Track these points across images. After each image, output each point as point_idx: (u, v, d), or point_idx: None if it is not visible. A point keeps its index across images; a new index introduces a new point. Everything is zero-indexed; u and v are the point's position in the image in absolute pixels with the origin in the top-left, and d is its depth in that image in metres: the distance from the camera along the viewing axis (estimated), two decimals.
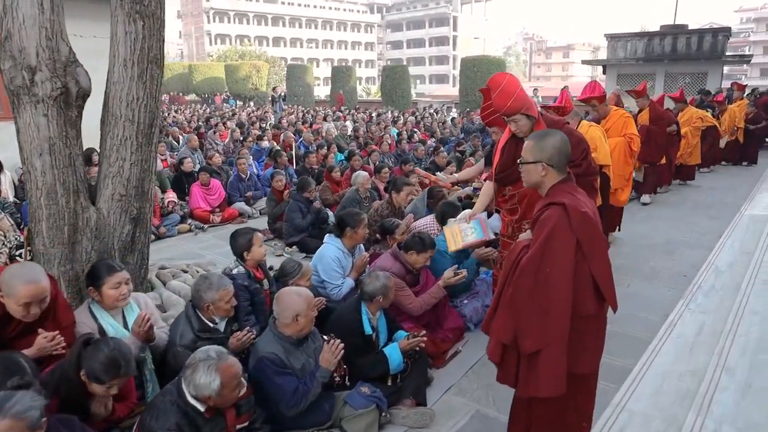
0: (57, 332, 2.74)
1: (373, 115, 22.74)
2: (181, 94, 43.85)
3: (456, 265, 4.25)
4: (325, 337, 3.22)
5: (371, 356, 3.47)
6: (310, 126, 16.87)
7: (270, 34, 74.93)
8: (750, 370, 3.78)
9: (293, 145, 11.51)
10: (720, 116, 12.33)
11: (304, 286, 3.68)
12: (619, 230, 7.05)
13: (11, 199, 7.57)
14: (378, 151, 10.84)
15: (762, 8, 71.83)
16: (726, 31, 18.47)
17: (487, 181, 4.13)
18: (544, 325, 2.45)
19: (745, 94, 13.54)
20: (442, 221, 5.04)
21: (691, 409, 3.36)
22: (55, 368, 2.55)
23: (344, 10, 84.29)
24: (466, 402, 3.60)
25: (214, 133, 13.72)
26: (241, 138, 12.44)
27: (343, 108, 27.70)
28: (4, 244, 5.58)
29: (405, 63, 59.75)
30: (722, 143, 12.17)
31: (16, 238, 5.89)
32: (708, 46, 17.77)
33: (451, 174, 6.36)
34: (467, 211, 4.74)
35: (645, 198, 8.94)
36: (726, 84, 17.07)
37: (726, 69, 20.40)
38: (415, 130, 16.29)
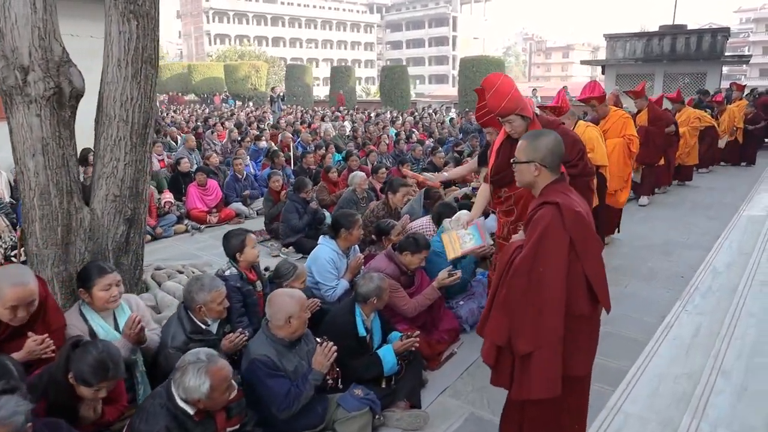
0: (46, 335, 2.71)
1: (372, 115, 22.72)
2: (180, 94, 43.78)
3: (451, 266, 4.22)
4: (318, 339, 3.20)
5: (365, 358, 3.45)
6: (309, 126, 16.85)
7: (269, 34, 74.89)
8: (746, 372, 3.76)
9: (291, 145, 11.49)
10: (719, 116, 12.31)
11: (298, 288, 3.66)
12: (618, 232, 7.03)
13: (7, 199, 7.54)
14: (376, 151, 10.82)
15: (761, 9, 71.83)
16: (725, 32, 18.46)
17: (483, 184, 4.11)
18: (537, 325, 2.44)
19: (744, 95, 13.52)
20: (439, 222, 5.04)
21: (687, 411, 3.34)
22: (44, 371, 2.53)
23: (344, 10, 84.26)
24: (460, 404, 3.58)
25: (212, 133, 13.69)
26: (239, 138, 12.42)
27: (342, 108, 27.69)
28: None
29: (404, 63, 59.70)
30: (722, 143, 12.15)
31: (11, 239, 5.87)
32: (707, 47, 17.76)
33: None
34: (463, 212, 4.73)
35: (643, 200, 8.92)
36: (725, 84, 17.06)
37: (725, 69, 20.41)
38: (414, 130, 16.27)
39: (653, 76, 18.63)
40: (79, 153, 6.62)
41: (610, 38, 19.57)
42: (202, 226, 7.87)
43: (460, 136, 15.08)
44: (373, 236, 5.34)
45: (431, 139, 14.58)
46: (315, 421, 3.07)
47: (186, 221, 7.93)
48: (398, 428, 3.28)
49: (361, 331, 3.50)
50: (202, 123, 17.68)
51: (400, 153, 11.56)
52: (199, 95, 44.21)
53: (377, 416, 3.21)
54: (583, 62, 25.84)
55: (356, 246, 4.77)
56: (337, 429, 3.10)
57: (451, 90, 46.71)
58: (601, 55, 22.74)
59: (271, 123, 17.54)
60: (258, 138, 11.89)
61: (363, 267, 4.54)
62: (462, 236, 3.99)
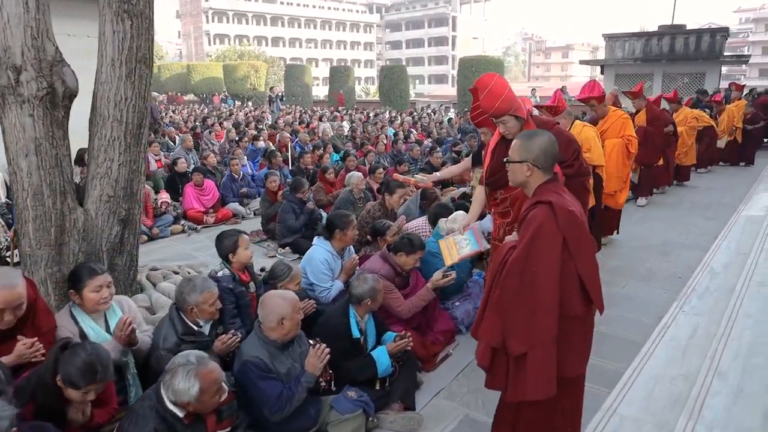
0: (36, 339, 2.68)
1: (371, 115, 22.70)
2: (179, 94, 43.78)
3: (445, 267, 4.20)
4: (311, 341, 3.18)
5: (359, 360, 3.43)
6: (307, 126, 16.83)
7: (269, 34, 74.88)
8: (742, 374, 3.74)
9: (289, 145, 11.46)
10: (718, 116, 12.30)
11: (293, 290, 3.64)
12: (617, 233, 7.00)
13: (3, 199, 7.51)
14: (374, 151, 10.80)
15: (761, 9, 71.86)
16: (724, 32, 18.46)
17: (479, 186, 4.09)
18: (530, 325, 2.42)
19: (743, 94, 13.51)
20: (435, 223, 5.02)
21: (682, 413, 3.32)
22: (32, 373, 2.50)
23: (343, 10, 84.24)
24: (455, 406, 3.56)
25: (210, 133, 13.68)
26: (237, 138, 12.39)
27: (340, 108, 27.67)
28: None
29: (404, 63, 59.77)
30: (722, 143, 12.13)
31: (5, 239, 5.85)
32: (706, 47, 17.76)
33: None
34: (460, 213, 4.71)
35: (641, 200, 8.90)
36: (724, 84, 17.05)
37: (725, 69, 20.40)
38: (412, 130, 16.24)
39: (652, 76, 18.64)
40: (75, 153, 6.72)
41: (609, 38, 19.57)
42: (199, 227, 7.84)
43: (459, 136, 15.05)
44: (368, 237, 5.32)
45: (429, 139, 14.57)
46: (308, 424, 3.05)
47: (183, 221, 7.90)
48: (392, 430, 3.25)
49: (355, 333, 3.47)
50: (200, 123, 17.66)
51: (398, 153, 11.54)
52: (198, 95, 44.23)
53: (371, 418, 3.19)
54: (582, 62, 25.82)
55: (351, 247, 4.75)
56: (330, 431, 3.08)
57: (450, 90, 46.70)
58: (601, 55, 22.71)
59: (270, 123, 17.52)
60: (256, 138, 11.87)
61: (358, 268, 4.52)
62: (459, 242, 3.96)
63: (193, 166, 9.37)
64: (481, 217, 4.44)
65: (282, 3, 77.39)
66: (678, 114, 10.24)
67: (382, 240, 4.83)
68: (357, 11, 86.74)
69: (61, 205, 3.71)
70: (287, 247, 6.74)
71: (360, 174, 7.49)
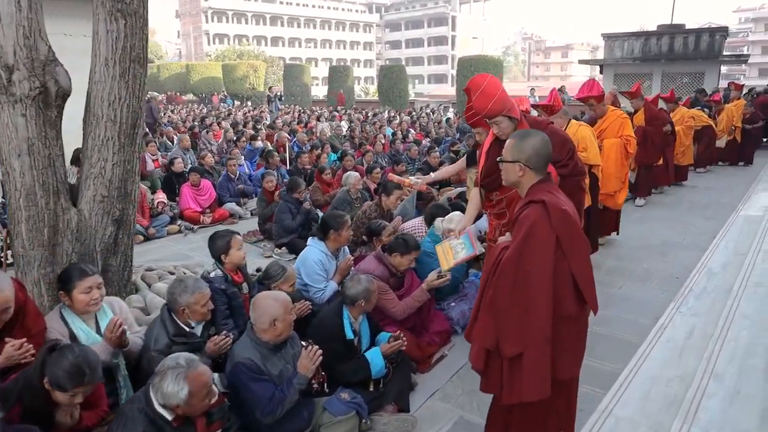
0: (24, 340, 2.65)
1: (369, 114, 22.68)
2: (178, 93, 43.76)
3: (440, 268, 4.17)
4: (303, 342, 3.15)
5: (353, 361, 3.40)
6: (305, 126, 16.80)
7: (268, 33, 74.86)
8: (739, 375, 3.71)
9: (286, 145, 11.44)
10: (716, 116, 12.28)
11: (287, 291, 3.62)
12: (617, 233, 6.97)
13: None
14: (372, 151, 10.79)
15: (760, 8, 71.86)
16: (723, 31, 18.44)
17: (474, 188, 4.06)
18: (524, 325, 2.40)
19: (742, 94, 13.48)
20: (431, 223, 5.00)
21: (678, 416, 3.30)
22: (19, 375, 2.47)
23: (343, 9, 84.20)
24: (450, 408, 3.54)
25: (207, 132, 13.66)
26: (235, 138, 12.37)
27: (339, 108, 27.65)
28: None
29: (404, 63, 59.74)
30: (722, 143, 12.10)
31: (0, 239, 5.83)
32: (705, 46, 17.73)
33: None
34: (456, 213, 4.69)
35: (639, 201, 8.88)
36: (723, 84, 17.03)
37: (725, 69, 20.40)
38: (411, 129, 16.22)
39: (651, 75, 18.62)
40: (72, 153, 6.70)
41: (608, 38, 19.55)
42: (196, 227, 7.82)
43: (457, 135, 15.03)
44: (364, 237, 5.30)
45: (428, 139, 14.55)
46: (301, 426, 3.02)
47: (179, 222, 7.88)
48: None
49: (349, 334, 3.45)
50: (198, 123, 17.63)
51: (396, 153, 11.52)
52: (198, 95, 44.19)
53: (364, 420, 3.16)
54: (581, 62, 25.80)
55: (346, 247, 4.73)
56: None
57: (449, 90, 46.72)
58: (600, 55, 22.70)
59: (268, 123, 17.50)
60: (253, 138, 11.84)
61: (353, 268, 4.50)
62: (454, 246, 3.94)
63: (190, 166, 9.34)
64: (478, 217, 4.42)
65: (281, 3, 77.36)
66: (675, 113, 10.21)
67: (377, 240, 4.81)
68: (356, 11, 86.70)
69: (54, 205, 3.69)
70: (284, 248, 6.71)
71: (357, 174, 7.47)
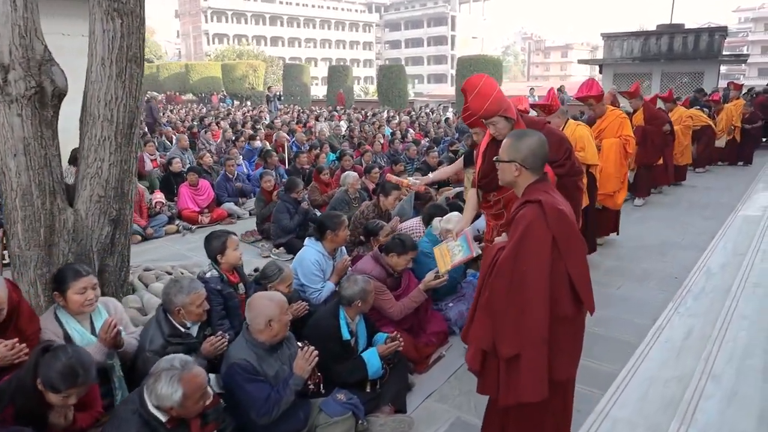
0: (16, 339, 2.63)
1: (369, 114, 22.66)
2: (177, 93, 43.76)
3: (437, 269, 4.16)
4: (299, 343, 3.14)
5: (349, 362, 3.39)
6: (304, 126, 16.79)
7: (268, 33, 74.85)
8: (737, 376, 3.70)
9: (285, 145, 11.42)
10: (715, 116, 12.27)
11: (284, 291, 3.60)
12: (617, 234, 6.96)
13: None
14: (371, 151, 10.77)
15: (760, 8, 71.85)
16: (722, 31, 18.42)
17: (471, 189, 4.05)
18: (520, 325, 2.39)
19: (741, 94, 13.47)
20: (429, 223, 4.98)
21: (675, 417, 3.28)
22: (12, 376, 2.45)
23: (342, 9, 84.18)
24: (447, 409, 3.53)
25: (206, 132, 13.64)
26: (233, 138, 12.36)
27: (338, 108, 27.63)
28: None
29: (403, 62, 59.73)
30: (721, 143, 12.09)
31: None
32: (704, 46, 17.72)
33: None
34: (454, 213, 4.68)
35: (638, 201, 8.87)
36: (723, 84, 17.01)
37: (724, 69, 20.40)
38: (410, 129, 16.20)
39: (651, 75, 18.61)
40: (70, 153, 6.68)
41: (608, 37, 19.53)
42: (194, 227, 7.81)
43: (456, 135, 15.02)
44: (361, 237, 5.28)
45: (427, 139, 14.53)
46: (297, 427, 3.00)
47: (177, 222, 7.87)
48: None
49: (345, 335, 3.43)
50: (197, 122, 17.62)
51: (394, 153, 11.50)
52: (197, 95, 44.18)
53: (360, 421, 3.15)
54: (580, 61, 25.77)
55: (343, 248, 4.71)
56: None
57: (449, 89, 46.68)
58: (600, 55, 22.69)
59: (267, 123, 17.49)
60: (252, 138, 11.83)
61: (350, 269, 4.48)
62: (452, 249, 3.92)
63: (188, 166, 9.33)
64: (476, 217, 4.41)
65: (281, 2, 77.34)
66: (673, 113, 10.20)
67: (375, 240, 4.80)
68: (356, 11, 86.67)
69: (50, 205, 3.68)
70: (282, 248, 6.70)
71: (355, 174, 7.45)
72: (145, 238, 7.26)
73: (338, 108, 27.66)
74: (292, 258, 6.16)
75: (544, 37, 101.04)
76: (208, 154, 9.94)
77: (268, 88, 24.82)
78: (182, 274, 5.23)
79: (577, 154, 4.91)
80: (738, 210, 8.24)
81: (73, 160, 7.17)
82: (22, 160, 3.54)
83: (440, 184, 7.94)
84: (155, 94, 31.74)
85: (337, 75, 36.68)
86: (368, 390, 3.41)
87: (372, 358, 3.39)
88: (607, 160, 6.41)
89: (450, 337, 4.39)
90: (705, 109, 12.28)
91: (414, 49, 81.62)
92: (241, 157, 10.40)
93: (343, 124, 17.76)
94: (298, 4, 79.02)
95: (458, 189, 7.44)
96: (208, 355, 3.12)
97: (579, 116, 10.79)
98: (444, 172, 5.07)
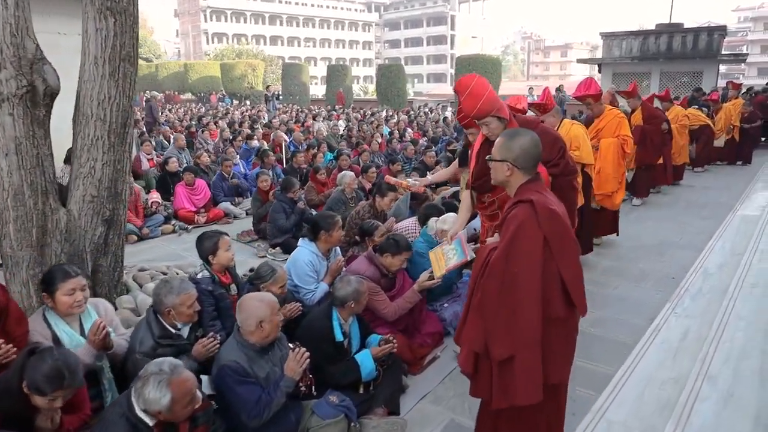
0: (2, 341, 2.61)
1: (367, 113, 22.63)
2: (176, 92, 43.73)
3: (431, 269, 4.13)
4: (290, 345, 3.11)
5: (342, 364, 3.36)
6: (302, 125, 16.76)
7: (267, 32, 74.77)
8: (733, 378, 3.67)
9: (283, 144, 11.39)
10: (714, 115, 12.24)
11: (277, 292, 3.58)
12: (617, 234, 6.92)
13: None
14: (369, 150, 10.74)
15: (760, 7, 71.80)
16: (721, 30, 18.40)
17: (465, 192, 4.01)
18: (512, 327, 2.36)
19: (740, 93, 13.45)
20: (424, 223, 4.95)
21: (671, 419, 3.26)
22: None
23: (342, 8, 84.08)
24: (441, 410, 3.50)
25: (203, 131, 13.62)
26: (231, 137, 12.33)
27: (337, 107, 27.60)
28: None
29: (403, 62, 59.71)
30: (720, 142, 12.07)
31: None
32: (703, 45, 17.70)
33: None
34: (451, 214, 4.66)
35: (635, 201, 8.85)
36: (722, 83, 16.99)
37: (724, 68, 20.38)
38: (408, 129, 16.18)
39: (650, 74, 18.59)
40: (66, 153, 6.65)
41: (607, 37, 19.51)
42: (190, 227, 7.77)
43: (455, 134, 15.00)
44: (356, 237, 5.26)
45: (425, 138, 14.50)
46: (288, 429, 2.97)
47: (173, 221, 7.84)
48: None
49: (338, 336, 3.40)
50: (195, 122, 17.59)
51: (392, 152, 11.47)
52: (196, 94, 44.14)
53: (353, 423, 3.12)
54: (579, 61, 25.75)
55: (338, 248, 4.68)
56: None
57: (448, 89, 46.60)
58: (599, 54, 22.68)
59: (265, 122, 17.47)
60: (249, 137, 11.80)
61: (344, 269, 4.45)
62: (446, 252, 3.90)
63: (185, 165, 9.30)
64: (472, 218, 4.38)
65: (280, 2, 77.25)
66: (669, 112, 10.17)
67: (370, 240, 4.77)
68: (355, 10, 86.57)
69: (42, 205, 3.66)
70: (278, 248, 6.67)
71: (352, 173, 7.42)
72: (141, 238, 7.22)
73: (337, 107, 27.63)
74: (288, 258, 6.16)
75: (543, 36, 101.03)
76: (205, 154, 9.90)
77: (267, 87, 24.82)
78: (177, 274, 5.20)
79: (572, 153, 4.88)
80: (736, 210, 8.21)
81: (68, 159, 7.16)
82: (14, 160, 3.52)
83: (436, 184, 7.90)
84: (155, 93, 31.69)
85: (337, 74, 36.63)
86: (361, 392, 3.39)
87: (365, 360, 3.37)
88: (605, 160, 6.38)
89: (445, 337, 4.36)
90: (704, 109, 12.26)
91: (413, 49, 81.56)
92: (237, 156, 10.37)
93: (342, 124, 17.74)
94: (297, 4, 78.93)
95: (455, 188, 7.41)
96: (200, 357, 3.08)
97: (578, 116, 10.78)
98: (442, 174, 5.04)
